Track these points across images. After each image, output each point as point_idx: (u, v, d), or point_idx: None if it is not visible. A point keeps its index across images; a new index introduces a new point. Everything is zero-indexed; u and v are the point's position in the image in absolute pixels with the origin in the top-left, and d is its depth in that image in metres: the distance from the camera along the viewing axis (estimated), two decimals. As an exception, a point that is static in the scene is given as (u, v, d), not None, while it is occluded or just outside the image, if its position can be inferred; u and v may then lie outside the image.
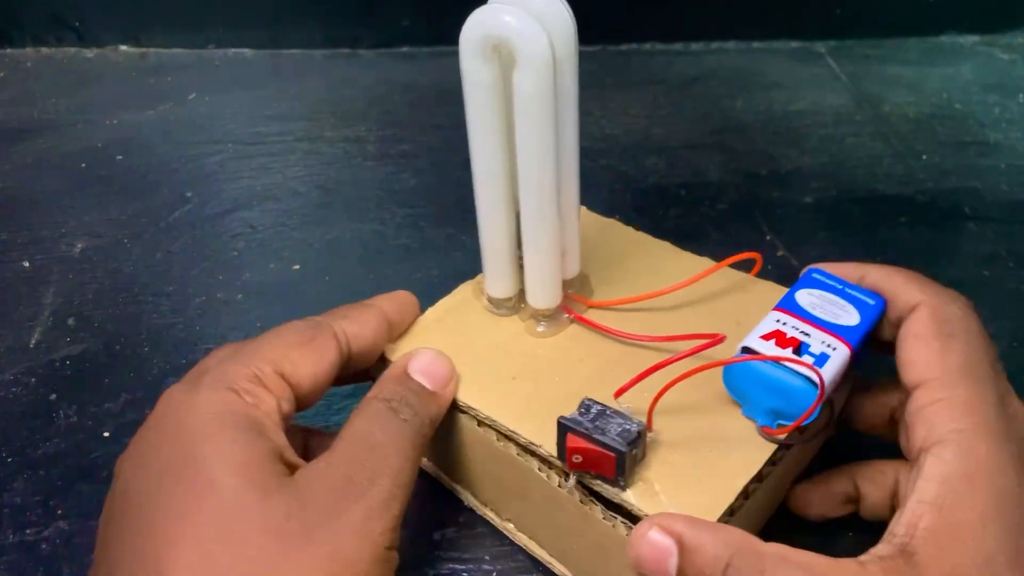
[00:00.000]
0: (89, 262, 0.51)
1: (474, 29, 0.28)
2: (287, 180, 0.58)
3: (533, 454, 0.31)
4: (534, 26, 0.28)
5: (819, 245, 0.53)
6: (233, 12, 0.73)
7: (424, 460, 0.38)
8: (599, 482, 0.29)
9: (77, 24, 0.73)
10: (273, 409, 0.30)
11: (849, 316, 0.32)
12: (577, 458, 0.29)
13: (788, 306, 0.32)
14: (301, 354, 0.31)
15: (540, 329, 0.35)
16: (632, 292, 0.37)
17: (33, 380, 0.44)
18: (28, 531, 0.36)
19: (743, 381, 0.31)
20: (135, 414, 0.41)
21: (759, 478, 0.30)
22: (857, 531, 0.35)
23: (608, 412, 0.29)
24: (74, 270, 0.51)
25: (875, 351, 0.33)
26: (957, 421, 0.28)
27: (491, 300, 0.36)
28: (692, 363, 0.29)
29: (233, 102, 0.67)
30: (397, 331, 0.35)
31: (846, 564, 0.25)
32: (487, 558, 0.35)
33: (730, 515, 0.29)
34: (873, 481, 0.34)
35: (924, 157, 0.61)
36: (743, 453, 0.30)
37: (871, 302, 0.32)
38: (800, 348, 0.30)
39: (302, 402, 0.32)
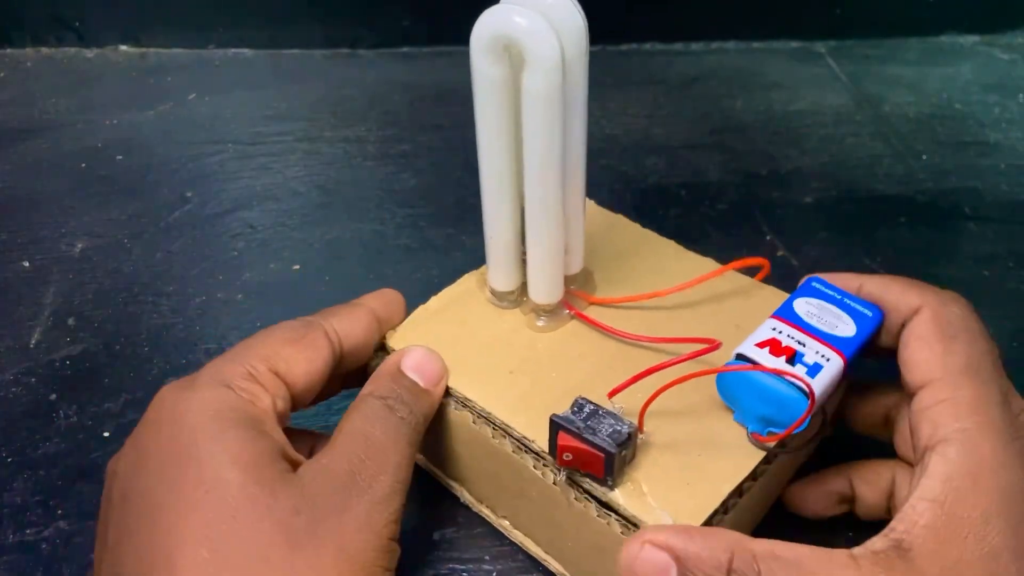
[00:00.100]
0: (89, 262, 0.51)
1: (485, 29, 0.29)
2: (287, 180, 0.58)
3: (528, 451, 0.31)
4: (544, 27, 0.28)
5: (819, 245, 0.53)
6: (233, 12, 0.73)
7: (420, 456, 0.38)
8: (588, 480, 0.29)
9: (77, 24, 0.73)
10: (269, 406, 0.30)
11: (846, 327, 0.32)
12: (567, 456, 0.29)
13: (785, 314, 0.32)
14: (294, 351, 0.32)
15: (540, 324, 0.36)
16: (635, 290, 0.37)
17: (33, 380, 0.44)
18: (28, 531, 0.36)
19: (736, 387, 0.31)
20: (135, 414, 0.41)
21: (753, 476, 0.30)
22: (857, 530, 0.35)
23: (601, 412, 0.29)
24: (74, 270, 0.51)
25: (874, 357, 0.33)
26: (961, 420, 0.28)
27: (494, 292, 0.36)
28: (687, 368, 0.29)
29: (233, 102, 0.67)
30: (386, 327, 0.36)
31: (837, 555, 0.25)
32: (487, 558, 0.35)
33: (724, 513, 0.29)
34: (868, 481, 0.34)
35: (924, 157, 0.61)
36: (732, 458, 0.30)
37: (868, 314, 0.32)
38: (794, 357, 0.30)
39: (297, 400, 0.32)
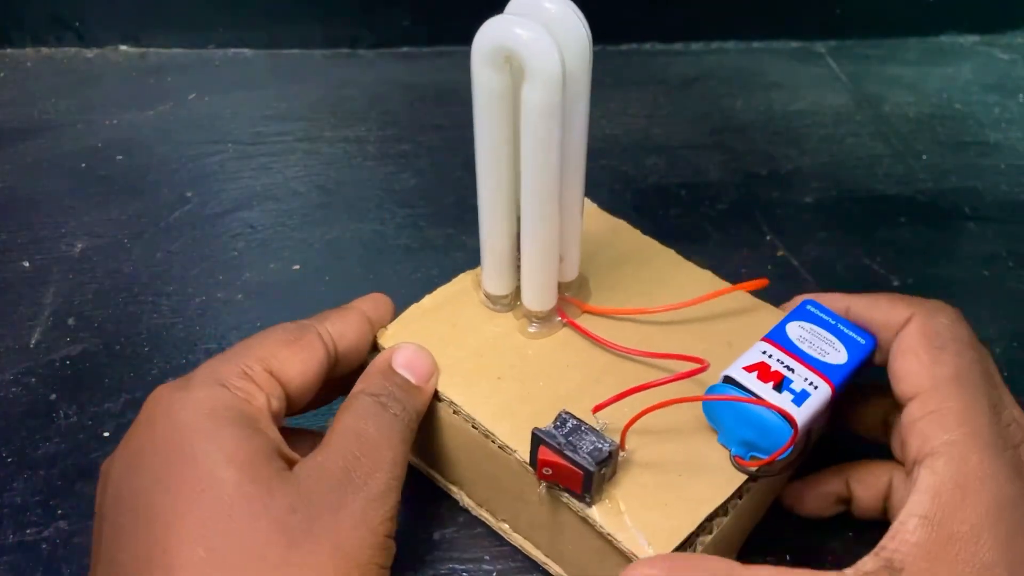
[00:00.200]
0: (89, 262, 0.51)
1: (486, 39, 0.28)
2: (287, 180, 0.58)
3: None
4: (546, 41, 0.27)
5: (819, 245, 0.53)
6: (233, 12, 0.73)
7: (418, 460, 0.38)
8: (567, 495, 0.29)
9: (77, 24, 0.73)
10: (264, 404, 0.30)
11: (837, 354, 0.31)
12: (547, 471, 0.29)
13: (777, 338, 0.32)
14: (289, 352, 0.32)
15: (532, 329, 0.35)
16: (630, 300, 0.37)
17: (33, 380, 0.44)
18: (28, 531, 0.36)
19: (721, 410, 0.31)
20: (135, 414, 0.40)
21: (739, 495, 0.30)
22: (857, 529, 0.35)
23: (583, 428, 0.29)
24: (74, 270, 0.51)
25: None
26: (949, 432, 0.28)
27: (487, 295, 0.36)
28: (673, 388, 0.29)
29: (233, 102, 0.67)
30: (377, 330, 0.36)
31: None
32: (487, 558, 0.35)
33: (708, 534, 0.29)
34: (865, 483, 0.34)
35: (924, 157, 0.61)
36: (712, 481, 0.30)
37: (861, 341, 0.32)
38: (782, 383, 0.30)
39: (292, 402, 0.32)
